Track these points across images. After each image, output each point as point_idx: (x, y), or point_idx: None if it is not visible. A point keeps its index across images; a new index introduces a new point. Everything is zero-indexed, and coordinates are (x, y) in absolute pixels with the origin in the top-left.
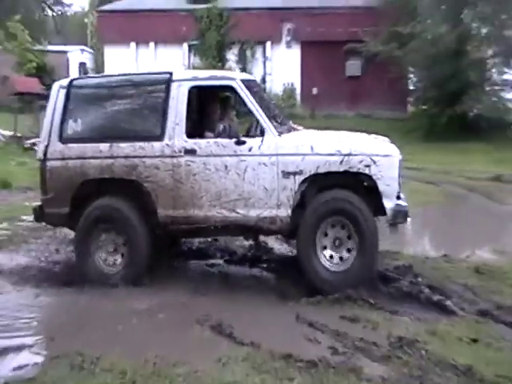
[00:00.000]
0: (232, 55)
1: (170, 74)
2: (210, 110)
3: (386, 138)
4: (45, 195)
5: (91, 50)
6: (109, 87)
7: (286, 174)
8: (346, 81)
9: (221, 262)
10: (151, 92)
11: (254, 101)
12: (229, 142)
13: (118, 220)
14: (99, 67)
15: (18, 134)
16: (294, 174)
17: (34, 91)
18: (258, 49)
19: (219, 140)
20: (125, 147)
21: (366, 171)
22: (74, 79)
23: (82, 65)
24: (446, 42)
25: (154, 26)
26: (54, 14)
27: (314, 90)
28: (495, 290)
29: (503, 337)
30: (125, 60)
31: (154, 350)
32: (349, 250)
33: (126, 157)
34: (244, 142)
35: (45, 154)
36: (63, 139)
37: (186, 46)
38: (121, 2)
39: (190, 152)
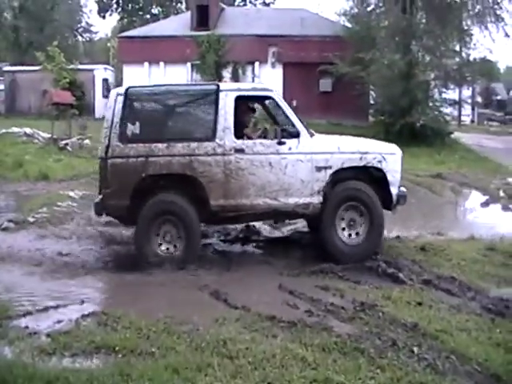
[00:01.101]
0: (227, 73)
1: (217, 85)
2: (246, 116)
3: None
4: (106, 189)
5: (112, 69)
6: (161, 95)
7: (319, 169)
8: (320, 95)
9: (218, 241)
10: (202, 100)
11: (289, 108)
12: (271, 143)
13: (178, 212)
14: (119, 82)
15: (55, 136)
16: (325, 168)
17: (67, 102)
18: (248, 68)
19: (263, 141)
20: (180, 147)
21: (379, 166)
22: (130, 87)
23: (105, 80)
24: (399, 67)
25: (163, 49)
26: (84, 39)
27: (294, 102)
28: (436, 264)
29: (442, 300)
30: (139, 77)
31: (165, 312)
32: (359, 229)
33: (182, 155)
34: (284, 143)
35: (106, 152)
36: (123, 140)
37: (189, 65)
38: (137, 29)
39: (239, 151)
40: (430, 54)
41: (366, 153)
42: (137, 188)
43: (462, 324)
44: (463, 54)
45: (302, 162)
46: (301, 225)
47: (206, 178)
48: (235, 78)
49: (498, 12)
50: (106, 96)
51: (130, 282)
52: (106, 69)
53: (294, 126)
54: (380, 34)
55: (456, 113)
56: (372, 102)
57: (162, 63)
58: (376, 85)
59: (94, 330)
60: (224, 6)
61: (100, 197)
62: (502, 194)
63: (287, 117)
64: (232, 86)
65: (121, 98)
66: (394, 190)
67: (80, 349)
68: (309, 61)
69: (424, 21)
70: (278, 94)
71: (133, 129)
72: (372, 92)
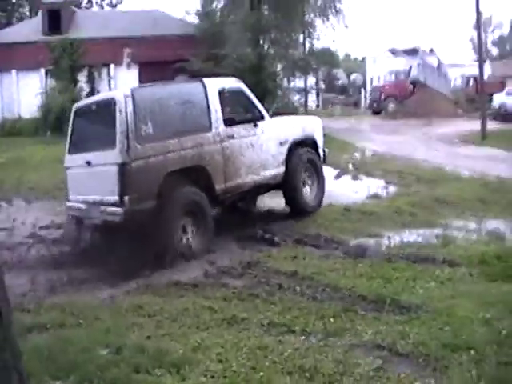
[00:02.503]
0: (82, 77)
1: (202, 81)
2: (224, 106)
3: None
4: (131, 194)
5: None
6: (161, 94)
7: (281, 143)
8: None
9: None
10: (194, 95)
11: (254, 97)
12: (250, 126)
13: (200, 202)
14: None
15: None
16: (285, 142)
17: None
18: (104, 70)
19: (245, 125)
20: (188, 140)
21: (313, 134)
22: (133, 89)
23: None
24: (250, 60)
25: (15, 55)
26: None
27: None
28: (303, 226)
29: (312, 253)
30: None
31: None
32: (313, 185)
33: (192, 147)
34: (257, 125)
35: (126, 157)
36: (140, 141)
37: (43, 71)
38: None
39: (231, 137)
40: (278, 47)
41: (304, 126)
42: (161, 188)
43: (331, 266)
44: (308, 45)
45: (271, 139)
46: None
47: (211, 165)
48: (91, 81)
49: (338, 5)
50: None
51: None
52: None
53: (259, 111)
54: (231, 30)
55: (303, 99)
56: None
57: (13, 71)
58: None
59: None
60: (75, 9)
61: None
62: (350, 167)
63: (253, 103)
64: (213, 81)
65: (130, 101)
66: (321, 151)
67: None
68: (164, 59)
69: (272, 16)
70: (244, 86)
71: (146, 129)
72: None
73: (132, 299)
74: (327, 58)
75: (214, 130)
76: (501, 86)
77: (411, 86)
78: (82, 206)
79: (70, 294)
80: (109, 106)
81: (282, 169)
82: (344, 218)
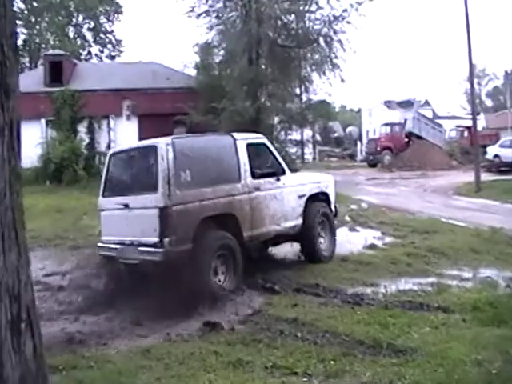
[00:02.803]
0: (82, 128)
1: (232, 135)
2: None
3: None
4: (170, 236)
5: None
6: (199, 145)
7: (300, 197)
8: None
9: None
10: (225, 148)
11: (276, 152)
12: (273, 180)
13: (232, 246)
14: None
15: None
16: (303, 196)
17: None
18: (104, 122)
19: (269, 179)
20: (220, 189)
21: (326, 190)
22: (174, 139)
23: None
24: (249, 113)
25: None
26: None
27: None
28: (302, 276)
29: (311, 301)
30: None
31: None
32: (326, 236)
33: (224, 196)
34: (280, 179)
35: (167, 201)
36: (180, 187)
37: (43, 121)
38: None
39: (257, 189)
40: (275, 100)
41: (319, 182)
42: (196, 230)
43: (329, 313)
44: (304, 98)
45: (291, 193)
46: None
47: (240, 214)
48: (91, 132)
49: (335, 60)
50: None
51: None
52: None
53: (281, 165)
54: (230, 84)
55: (300, 152)
56: None
57: None
58: (227, 131)
59: None
60: (76, 61)
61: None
62: (347, 218)
63: (276, 158)
64: (241, 135)
65: (170, 148)
66: (333, 206)
67: None
68: (163, 112)
69: (269, 70)
70: (267, 140)
71: (184, 176)
72: None
73: (139, 344)
74: (323, 111)
75: (242, 182)
76: (495, 137)
77: (406, 139)
78: (117, 246)
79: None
80: (150, 152)
81: (300, 220)
82: (341, 268)
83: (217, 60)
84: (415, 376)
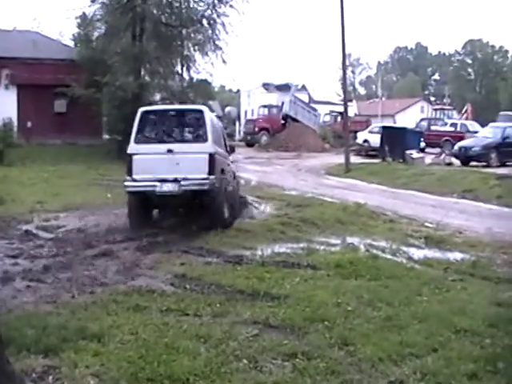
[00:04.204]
0: None
1: (201, 109)
2: None
3: None
4: (213, 174)
5: None
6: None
7: None
8: (54, 116)
9: None
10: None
11: None
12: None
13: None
14: None
15: None
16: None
17: None
18: None
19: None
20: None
21: None
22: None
23: None
24: (131, 89)
25: None
26: None
27: (29, 124)
28: (191, 240)
29: (191, 260)
30: None
31: None
32: None
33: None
34: None
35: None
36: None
37: None
38: None
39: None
40: (157, 77)
41: None
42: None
43: (214, 270)
44: (187, 77)
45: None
46: None
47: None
48: None
49: (217, 42)
50: None
51: None
52: None
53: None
54: (113, 58)
55: None
56: (106, 121)
57: None
58: (110, 105)
59: None
60: None
61: None
62: None
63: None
64: (206, 107)
65: (209, 113)
66: None
67: None
68: (43, 83)
69: (152, 47)
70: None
71: (215, 133)
72: (106, 112)
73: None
74: (204, 91)
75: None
76: (365, 124)
77: (283, 121)
78: (152, 183)
79: None
80: (197, 114)
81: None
82: (223, 234)
83: (98, 33)
84: (287, 314)
